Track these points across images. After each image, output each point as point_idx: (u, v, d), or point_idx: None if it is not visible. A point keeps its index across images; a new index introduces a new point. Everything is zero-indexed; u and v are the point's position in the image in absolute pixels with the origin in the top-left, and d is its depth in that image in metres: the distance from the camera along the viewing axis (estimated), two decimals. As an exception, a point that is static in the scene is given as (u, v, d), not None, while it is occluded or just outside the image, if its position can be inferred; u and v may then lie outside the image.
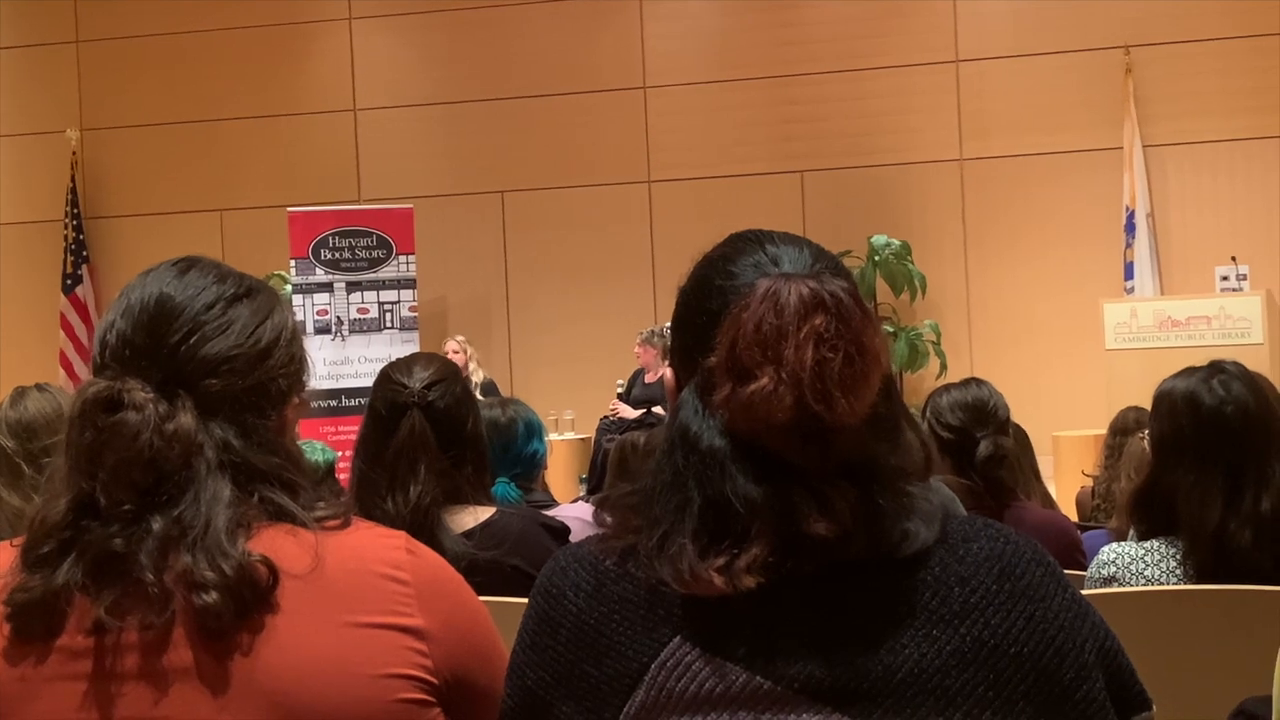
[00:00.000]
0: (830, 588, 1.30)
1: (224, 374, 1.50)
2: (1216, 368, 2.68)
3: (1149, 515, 2.70)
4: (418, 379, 2.84)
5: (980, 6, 11.29)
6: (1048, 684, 1.28)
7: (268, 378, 1.54)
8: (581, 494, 8.69)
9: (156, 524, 1.42)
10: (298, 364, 1.60)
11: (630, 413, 9.92)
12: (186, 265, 1.58)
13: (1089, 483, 5.40)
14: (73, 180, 12.32)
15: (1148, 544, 2.68)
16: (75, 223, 12.30)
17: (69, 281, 12.26)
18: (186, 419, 1.46)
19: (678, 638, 1.31)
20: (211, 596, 1.38)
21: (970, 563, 1.31)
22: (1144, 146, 10.66)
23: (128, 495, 1.42)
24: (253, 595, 1.40)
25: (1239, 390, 2.62)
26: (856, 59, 11.37)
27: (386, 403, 2.84)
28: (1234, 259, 9.54)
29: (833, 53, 11.40)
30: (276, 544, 1.44)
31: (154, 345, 1.50)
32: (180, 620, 1.40)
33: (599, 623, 1.36)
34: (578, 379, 11.19)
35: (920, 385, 10.85)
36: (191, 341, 1.51)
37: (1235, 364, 2.71)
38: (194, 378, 1.49)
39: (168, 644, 1.40)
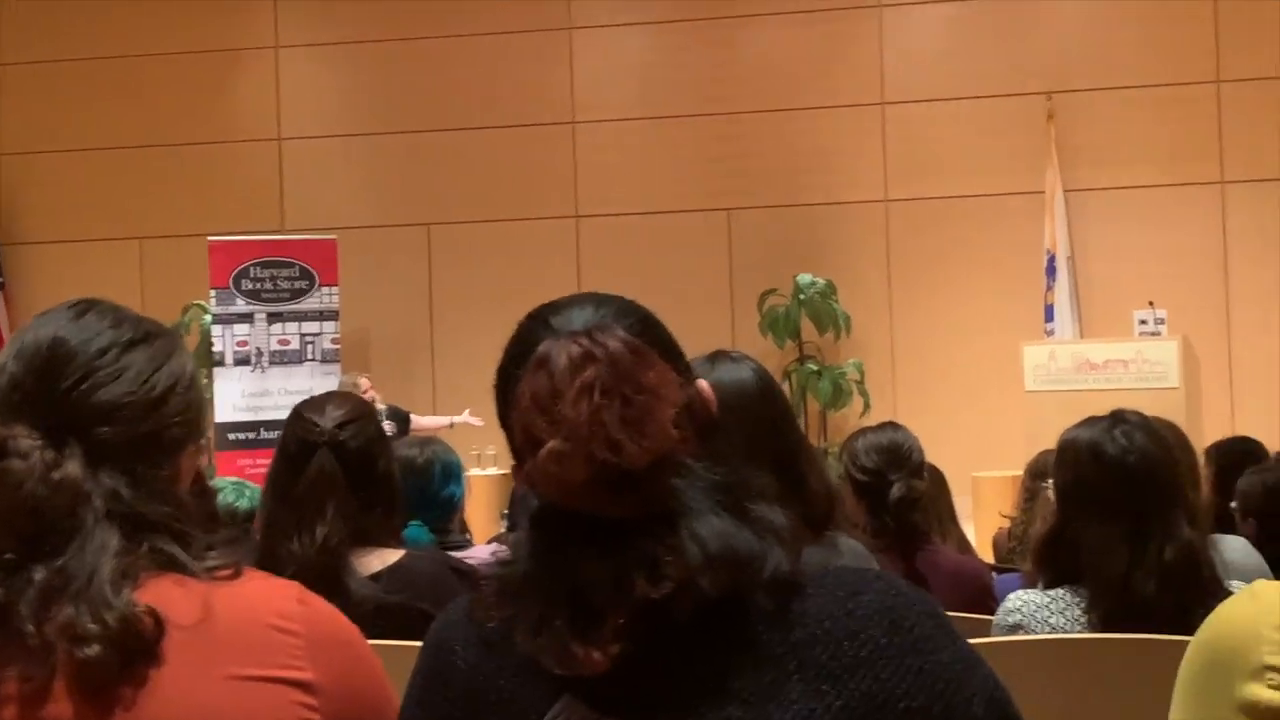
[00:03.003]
0: (716, 640, 1.29)
1: (116, 421, 1.47)
2: (1119, 417, 2.70)
3: (1055, 563, 2.72)
4: (330, 418, 2.81)
5: (907, 50, 11.43)
6: None
7: (162, 426, 1.51)
8: (501, 530, 8.64)
9: (38, 574, 1.38)
10: (194, 412, 1.57)
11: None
12: (84, 308, 1.55)
13: (1006, 524, 5.44)
14: (-12, 205, 12.15)
15: (1053, 592, 2.69)
16: (-11, 248, 12.12)
17: (-19, 307, 12.07)
18: (74, 468, 1.43)
19: (567, 695, 1.30)
20: (93, 649, 1.35)
21: (860, 616, 1.31)
22: (1065, 191, 10.82)
23: (10, 544, 1.39)
24: (136, 647, 1.37)
25: (1141, 440, 2.64)
26: (785, 99, 11.46)
27: (297, 441, 2.81)
28: (1151, 304, 9.68)
29: (762, 92, 11.49)
30: (163, 594, 1.41)
31: (45, 390, 1.47)
32: (61, 673, 1.36)
33: (487, 680, 1.35)
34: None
35: (844, 424, 10.91)
36: (83, 387, 1.47)
37: (1137, 414, 2.73)
38: (85, 424, 1.46)
39: (47, 696, 1.36)
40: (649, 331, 1.39)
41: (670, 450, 1.29)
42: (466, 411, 9.81)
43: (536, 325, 1.41)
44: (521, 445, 1.33)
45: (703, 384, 1.43)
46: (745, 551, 1.29)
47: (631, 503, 1.29)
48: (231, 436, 10.60)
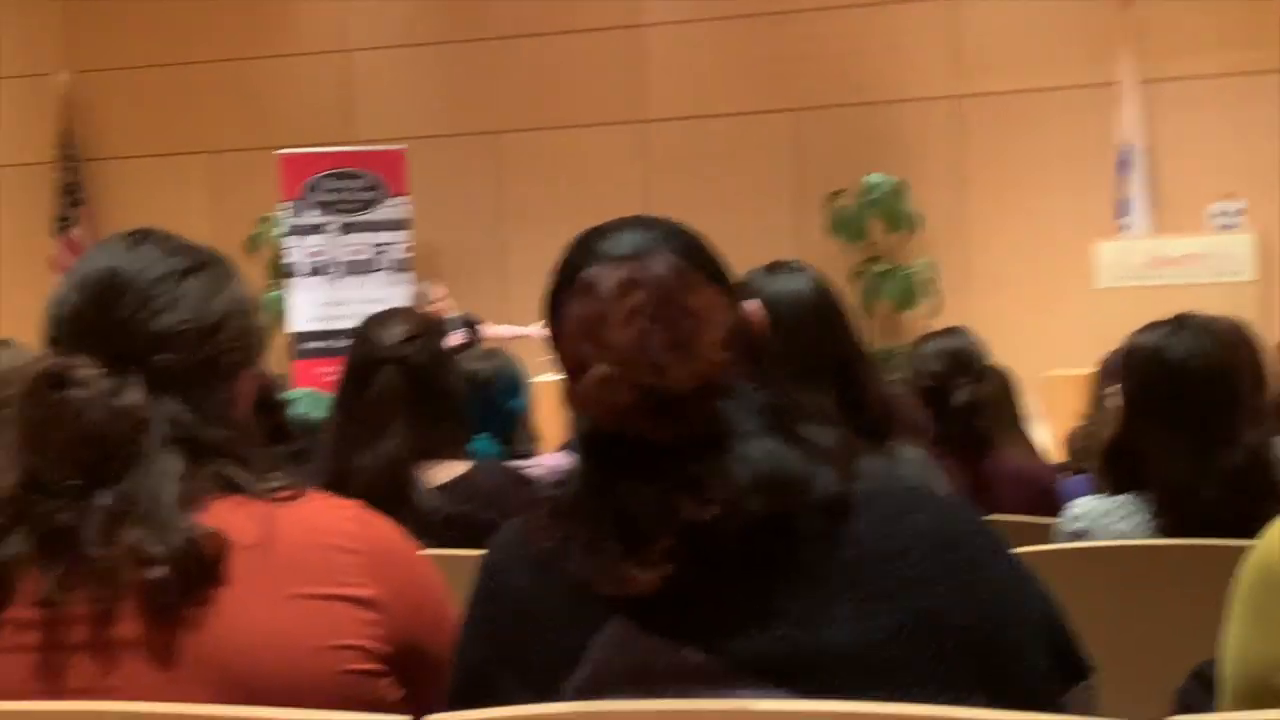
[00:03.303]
0: (766, 561, 1.30)
1: (174, 348, 1.51)
2: (1182, 321, 2.66)
3: (1120, 470, 2.70)
4: (394, 334, 2.84)
5: (977, -60, 11.19)
6: (988, 654, 1.29)
7: (218, 351, 1.54)
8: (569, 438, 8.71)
9: (104, 499, 1.42)
10: (250, 336, 1.60)
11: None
12: (139, 238, 1.58)
13: (1080, 423, 5.41)
14: (63, 123, 12.26)
15: (1118, 498, 2.67)
16: (69, 165, 12.25)
17: (61, 224, 12.23)
18: (135, 394, 1.46)
19: (619, 615, 1.32)
20: (159, 571, 1.39)
21: (910, 534, 1.32)
22: (1141, 81, 10.59)
23: (74, 471, 1.43)
24: (200, 569, 1.41)
25: (1205, 344, 2.60)
26: (852, -5, 11.28)
27: (362, 357, 2.85)
28: (1230, 195, 9.49)
29: (828, -11, 11.31)
30: (226, 516, 1.45)
31: (104, 319, 1.50)
32: (128, 594, 1.41)
33: (541, 600, 1.37)
34: (572, 320, 11.13)
35: (915, 325, 10.83)
36: (142, 316, 1.50)
37: (1203, 316, 2.69)
38: (144, 352, 1.49)
39: (116, 617, 1.41)
40: (695, 255, 1.39)
41: (716, 373, 1.30)
42: (538, 324, 9.83)
43: (583, 250, 1.42)
44: (570, 369, 1.35)
45: (752, 305, 1.44)
46: (792, 473, 1.30)
47: (677, 426, 1.30)
48: (308, 346, 10.73)
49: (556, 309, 1.41)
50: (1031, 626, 1.32)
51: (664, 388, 1.28)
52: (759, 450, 1.30)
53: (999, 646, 1.30)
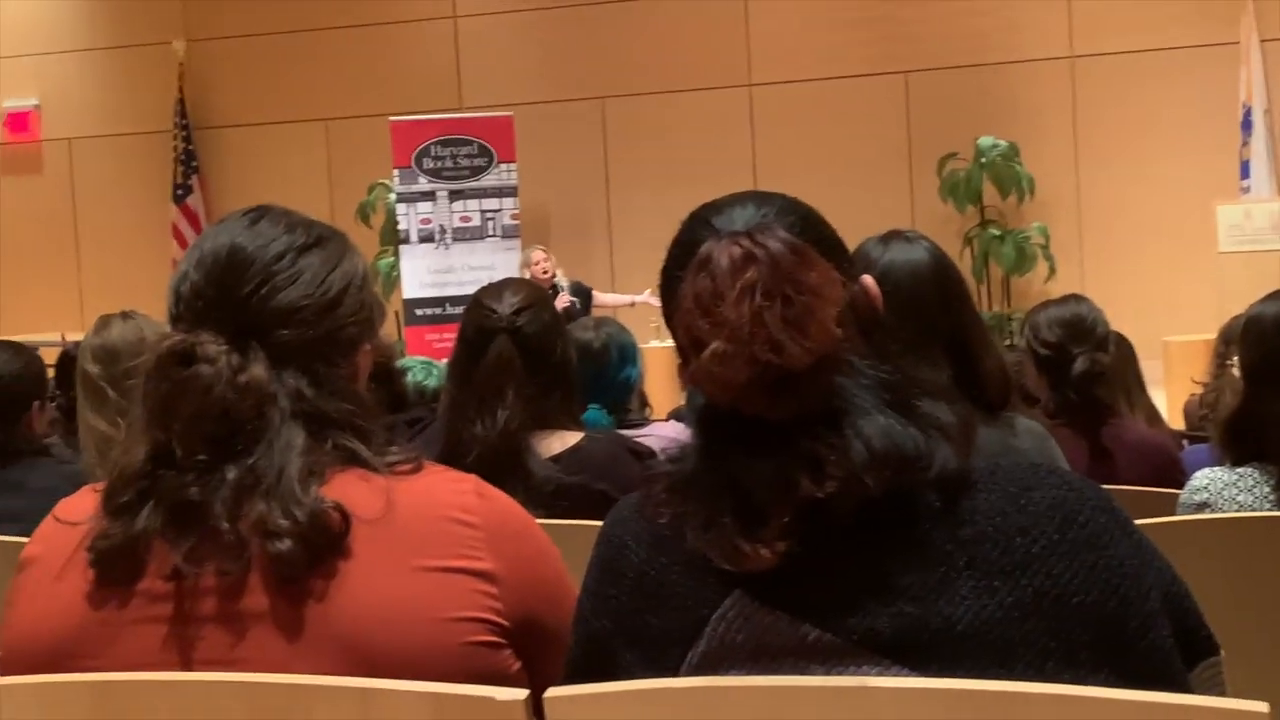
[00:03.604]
0: (885, 536, 1.30)
1: (295, 323, 1.53)
2: None
3: (1242, 441, 2.65)
4: (507, 304, 2.85)
5: (1092, -103, 10.96)
6: (1111, 633, 1.27)
7: (337, 326, 1.57)
8: (682, 404, 8.72)
9: (231, 473, 1.45)
10: (368, 311, 1.62)
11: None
12: (257, 215, 1.60)
13: (1199, 390, 5.31)
14: (180, 91, 12.48)
15: (1241, 470, 2.63)
16: (184, 133, 12.47)
17: (179, 192, 12.46)
18: (259, 370, 1.49)
19: (738, 590, 1.32)
20: (285, 544, 1.42)
21: (1031, 512, 1.30)
22: (1261, 41, 10.32)
23: (202, 446, 1.46)
24: (325, 541, 1.44)
25: None
26: (963, -46, 11.11)
27: (475, 328, 2.86)
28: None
29: (939, -51, 11.14)
30: (349, 490, 1.47)
31: (226, 296, 1.53)
32: (255, 566, 1.43)
33: (660, 574, 1.37)
34: (680, 285, 11.13)
35: (1028, 290, 10.69)
36: (263, 292, 1.53)
37: None
38: (266, 328, 1.52)
39: (244, 589, 1.44)
40: (811, 230, 1.38)
41: (833, 350, 1.29)
42: (648, 292, 9.85)
43: (698, 225, 1.41)
44: (685, 345, 1.35)
45: (867, 280, 1.42)
46: (910, 449, 1.29)
47: (793, 403, 1.29)
48: (419, 312, 10.84)
49: (671, 285, 1.40)
50: (1155, 604, 1.30)
51: (780, 365, 1.27)
52: (876, 427, 1.29)
53: (1122, 625, 1.28)
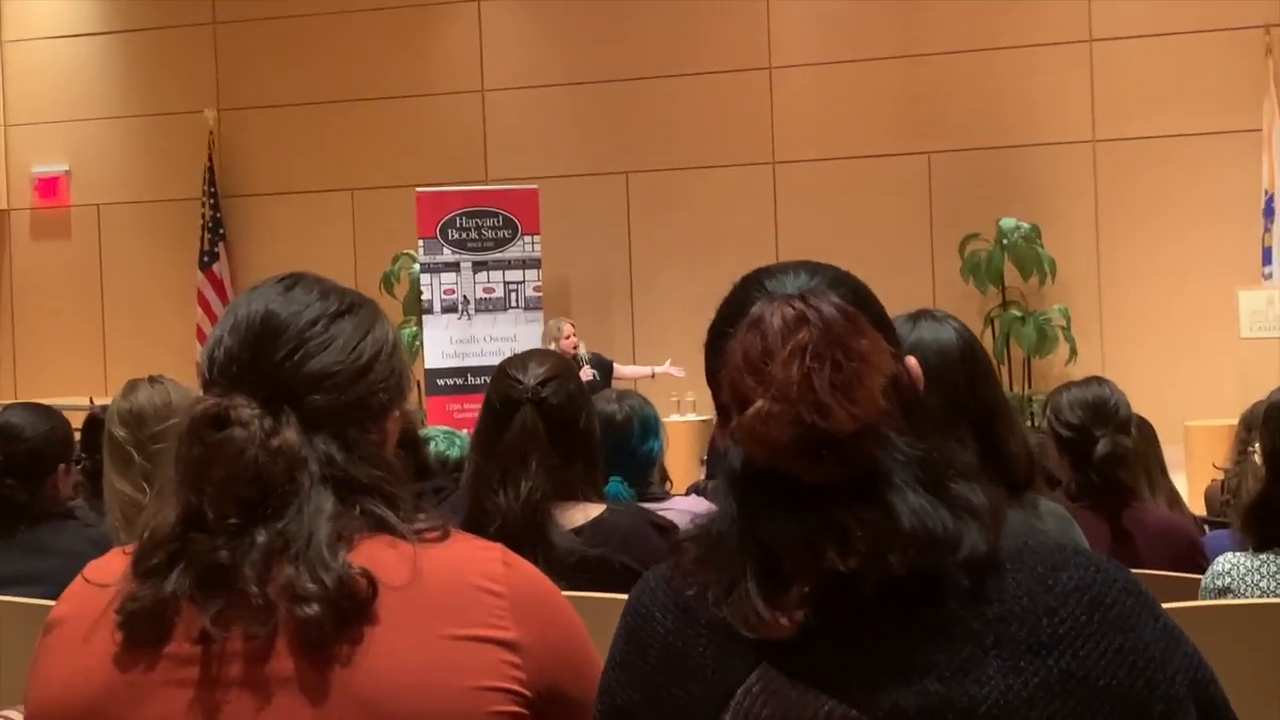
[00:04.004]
0: (912, 613, 1.30)
1: (327, 389, 1.54)
2: None
3: (1265, 526, 2.65)
4: (532, 375, 2.87)
5: (1116, -16, 11.06)
6: (1136, 717, 1.27)
7: (369, 392, 1.58)
8: (701, 478, 8.72)
9: (261, 537, 1.46)
10: (398, 378, 1.63)
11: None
12: (291, 282, 1.62)
13: (1219, 475, 5.29)
14: (210, 159, 12.61)
15: (1264, 555, 2.63)
16: (212, 201, 12.58)
17: (206, 259, 12.55)
18: (291, 435, 1.50)
19: (764, 664, 1.32)
20: (313, 609, 1.42)
21: (1059, 592, 1.30)
22: (1284, 129, 10.37)
23: (233, 509, 1.47)
24: (352, 607, 1.44)
25: None
26: (986, 38, 11.20)
27: (501, 397, 2.88)
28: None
29: (962, 32, 11.24)
30: (376, 556, 1.48)
31: (260, 362, 1.54)
32: (283, 631, 1.44)
33: (686, 645, 1.37)
34: (700, 360, 11.14)
35: (1049, 371, 10.69)
36: (296, 358, 1.55)
37: None
38: (298, 393, 1.53)
39: (270, 653, 1.44)
40: (861, 301, 1.39)
41: (876, 420, 1.30)
42: (668, 362, 9.88)
43: (751, 287, 1.42)
44: (729, 402, 1.34)
45: (911, 361, 1.44)
46: (940, 532, 1.29)
47: (832, 469, 1.29)
48: (440, 382, 10.88)
49: (718, 342, 1.41)
50: (1181, 689, 1.30)
51: (824, 428, 1.28)
52: (907, 505, 1.30)
53: (1147, 710, 1.28)
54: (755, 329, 1.33)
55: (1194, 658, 1.34)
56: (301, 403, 1.53)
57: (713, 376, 1.42)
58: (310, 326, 1.57)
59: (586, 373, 9.40)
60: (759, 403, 1.29)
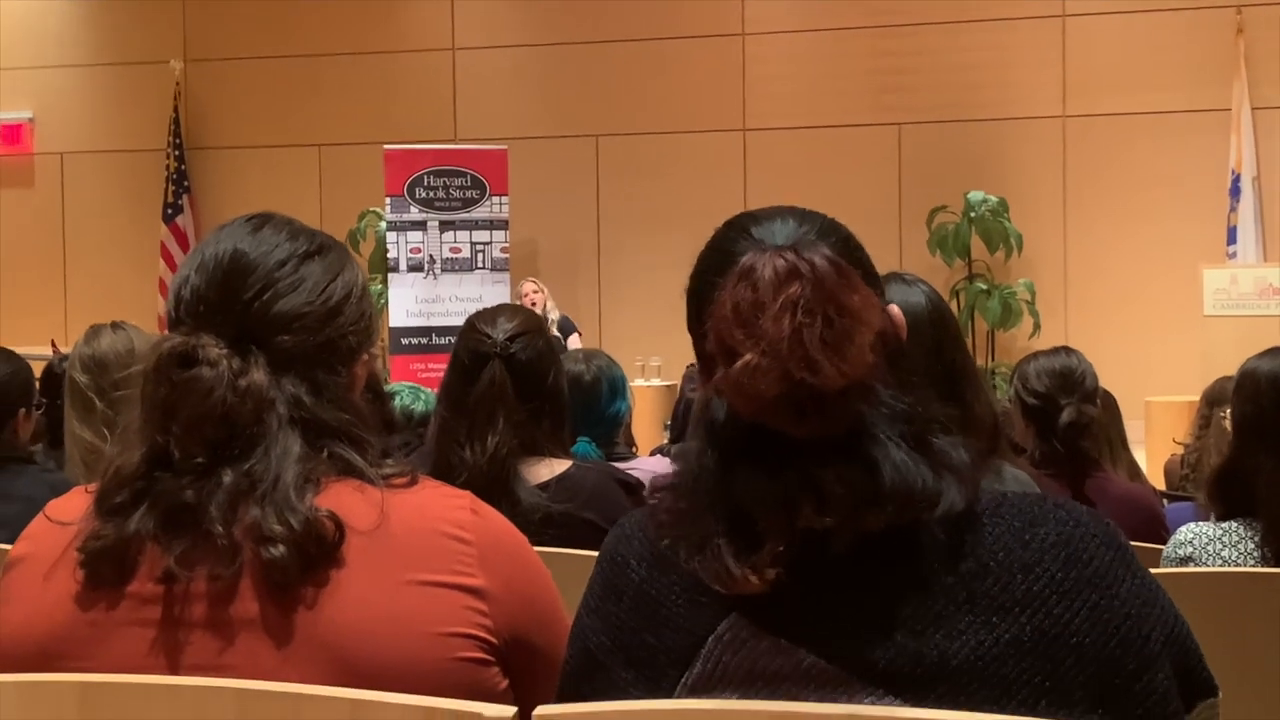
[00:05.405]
0: (886, 567, 1.29)
1: (296, 331, 1.52)
2: None
3: (1228, 496, 2.66)
4: (501, 330, 2.85)
5: (1090, -40, 11.07)
6: (1108, 674, 1.27)
7: (338, 335, 1.56)
8: (665, 442, 8.72)
9: (227, 477, 1.44)
10: (367, 321, 1.61)
11: (717, 361, 9.93)
12: (260, 222, 1.59)
13: (1180, 450, 5.32)
14: (175, 111, 12.49)
15: (1226, 525, 2.64)
16: (177, 153, 12.47)
17: (170, 211, 12.46)
18: (259, 375, 1.48)
19: (734, 614, 1.32)
20: (278, 550, 1.41)
21: (1035, 548, 1.30)
22: (1253, 109, 10.42)
23: (200, 449, 1.45)
24: (318, 550, 1.43)
25: None
26: (959, 11, 11.20)
27: (469, 352, 2.86)
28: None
29: (936, 5, 11.23)
30: (343, 500, 1.46)
31: (228, 301, 1.52)
32: (247, 572, 1.42)
33: (660, 594, 1.37)
34: (665, 325, 11.11)
35: (1013, 345, 10.74)
36: (265, 298, 1.52)
37: None
38: (266, 334, 1.51)
39: (234, 595, 1.43)
40: (851, 253, 1.37)
41: (864, 375, 1.28)
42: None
43: (736, 233, 1.40)
44: (714, 353, 1.32)
45: (895, 309, 1.42)
46: (919, 489, 1.28)
47: (816, 424, 1.28)
48: (405, 341, 10.84)
49: (704, 290, 1.38)
50: (1156, 646, 1.30)
51: (812, 384, 1.27)
52: (891, 461, 1.29)
53: (1119, 667, 1.27)
54: (746, 280, 1.30)
55: (1170, 614, 1.34)
56: (270, 344, 1.51)
57: (696, 324, 1.40)
58: (279, 267, 1.54)
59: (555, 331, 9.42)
60: (747, 356, 1.27)
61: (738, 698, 1.29)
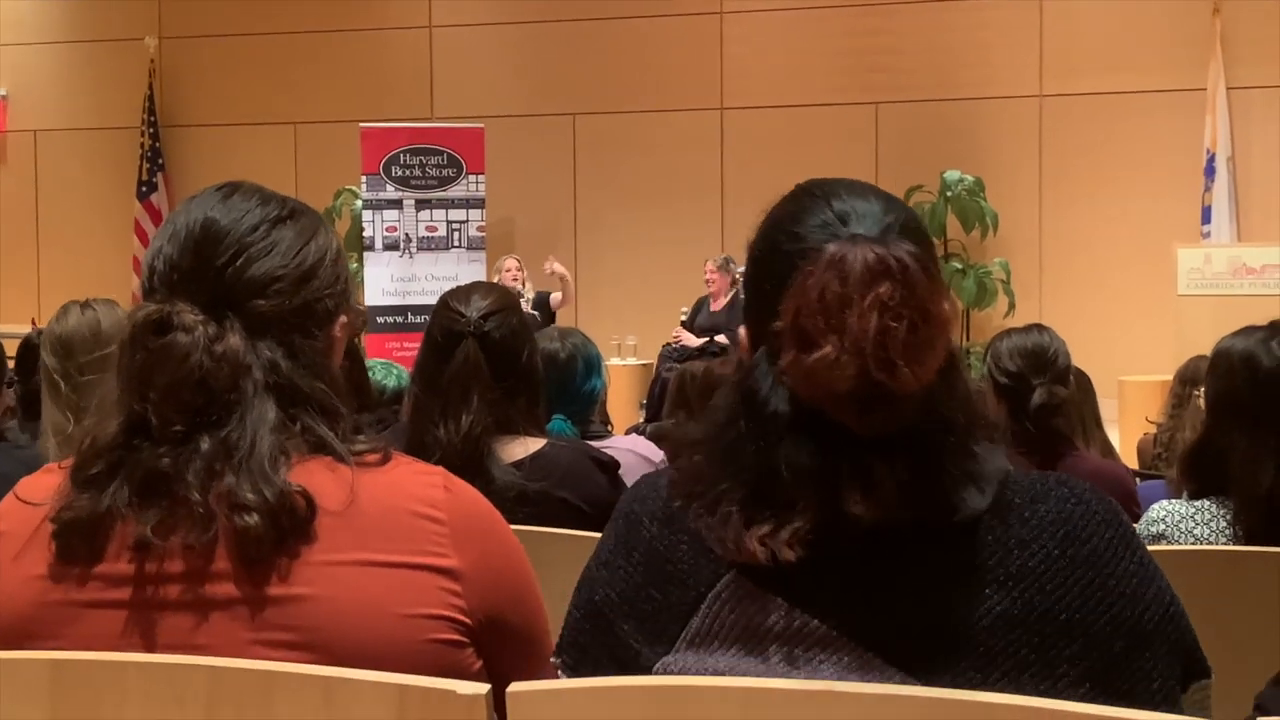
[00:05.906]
0: (886, 544, 1.31)
1: (271, 294, 1.51)
2: (1277, 328, 2.64)
3: (1201, 474, 2.67)
4: (475, 308, 2.84)
5: (1067, -61, 11.08)
6: (1096, 652, 1.28)
7: (314, 298, 1.55)
8: (640, 421, 8.73)
9: (204, 444, 1.43)
10: (343, 284, 1.60)
11: (693, 341, 9.92)
12: (230, 190, 1.58)
13: (1153, 429, 5.35)
14: (150, 88, 12.42)
15: (1198, 503, 2.65)
16: (152, 130, 12.41)
17: (144, 188, 12.40)
18: (235, 340, 1.47)
19: (734, 571, 1.33)
20: (252, 519, 1.40)
21: (1034, 525, 1.31)
22: (1228, 89, 10.45)
23: (178, 416, 1.44)
24: (291, 523, 1.42)
25: None
26: (937, -10, 11.20)
27: (443, 330, 2.85)
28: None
29: (914, -18, 11.23)
30: (315, 478, 1.46)
31: (201, 268, 1.51)
32: (222, 540, 1.42)
33: (668, 550, 1.38)
34: (641, 304, 11.19)
35: (987, 324, 10.77)
36: (238, 263, 1.51)
37: None
38: (241, 299, 1.50)
39: (208, 571, 1.42)
40: (928, 246, 1.36)
41: (934, 380, 1.29)
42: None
43: (817, 202, 1.38)
44: (785, 333, 1.31)
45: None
46: (946, 501, 1.30)
47: (879, 421, 1.28)
48: (381, 320, 10.81)
49: (778, 263, 1.36)
50: (1150, 625, 1.30)
51: (888, 386, 1.26)
52: (938, 468, 1.30)
53: (1109, 645, 1.28)
54: (834, 269, 1.28)
55: (1167, 593, 1.34)
56: (244, 308, 1.50)
57: (760, 294, 1.38)
58: (251, 232, 1.53)
59: (526, 307, 9.40)
60: (827, 349, 1.26)
61: (733, 653, 1.31)
